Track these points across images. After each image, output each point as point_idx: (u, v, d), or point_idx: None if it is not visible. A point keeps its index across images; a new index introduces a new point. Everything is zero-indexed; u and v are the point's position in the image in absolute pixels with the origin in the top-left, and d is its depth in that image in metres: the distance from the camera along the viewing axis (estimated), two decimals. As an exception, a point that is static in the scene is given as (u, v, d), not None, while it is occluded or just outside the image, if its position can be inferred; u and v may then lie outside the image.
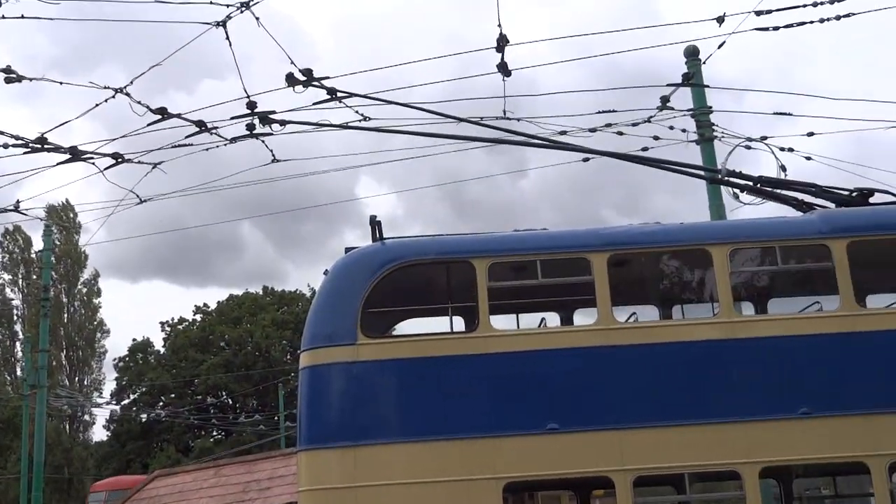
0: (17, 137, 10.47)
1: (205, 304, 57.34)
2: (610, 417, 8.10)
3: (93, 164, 11.03)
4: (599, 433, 8.08)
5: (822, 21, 10.96)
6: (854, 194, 9.44)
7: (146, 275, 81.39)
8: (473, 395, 8.23)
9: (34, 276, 53.69)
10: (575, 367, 8.30)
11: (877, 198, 9.38)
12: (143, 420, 53.28)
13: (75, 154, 10.85)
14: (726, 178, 10.31)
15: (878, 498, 7.92)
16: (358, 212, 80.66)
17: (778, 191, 9.81)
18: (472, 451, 8.07)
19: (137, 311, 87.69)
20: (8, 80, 10.01)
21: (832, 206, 9.37)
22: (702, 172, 12.02)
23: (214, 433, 53.48)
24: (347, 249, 8.98)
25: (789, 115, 12.41)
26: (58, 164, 10.99)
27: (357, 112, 10.31)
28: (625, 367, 8.26)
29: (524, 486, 9.24)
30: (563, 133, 11.90)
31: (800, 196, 9.62)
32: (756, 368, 8.25)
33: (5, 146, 10.47)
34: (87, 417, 58.05)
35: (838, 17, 11.05)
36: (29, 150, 10.58)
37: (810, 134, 13.09)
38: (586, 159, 12.89)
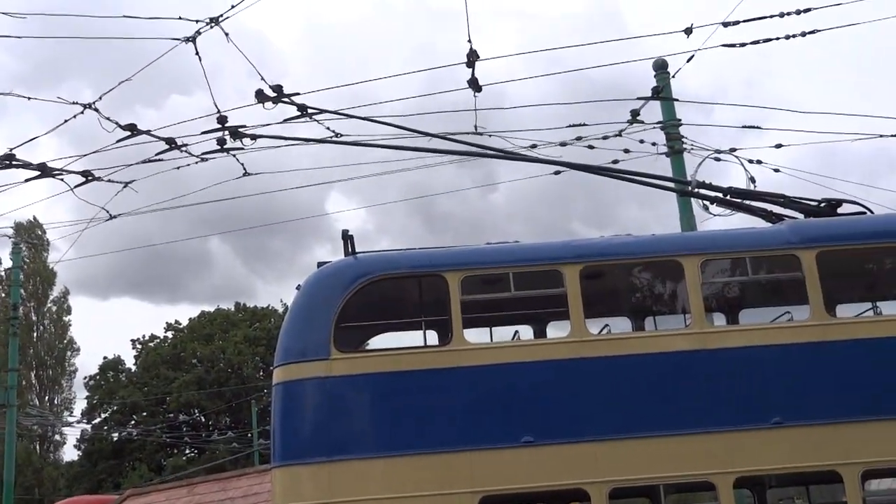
0: (-18, 153, 10.36)
1: (176, 321, 56.84)
2: (584, 429, 8.09)
3: (62, 181, 10.95)
4: (574, 445, 8.07)
5: (787, 37, 11.08)
6: (822, 205, 9.52)
7: (116, 292, 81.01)
8: (448, 409, 8.19)
9: (2, 295, 53.17)
10: (548, 380, 8.30)
11: (845, 208, 9.47)
12: (115, 439, 52.72)
13: (45, 171, 10.75)
14: (696, 190, 10.36)
15: (851, 505, 7.98)
16: (328, 227, 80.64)
17: (747, 202, 9.88)
18: (447, 464, 8.03)
19: (107, 328, 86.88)
20: (-27, 95, 9.92)
21: (801, 216, 9.44)
22: (672, 185, 12.08)
23: (187, 451, 52.88)
24: (320, 264, 8.93)
25: (758, 128, 12.53)
26: (26, 180, 10.89)
27: (328, 128, 10.31)
28: (598, 378, 8.26)
29: (500, 500, 9.19)
30: (533, 147, 11.93)
31: (769, 207, 9.69)
32: (728, 379, 8.27)
33: (-28, 162, 10.37)
34: (57, 437, 57.40)
35: (803, 34, 11.16)
36: (-1, 166, 10.48)
37: (778, 146, 13.20)
38: (557, 172, 12.93)
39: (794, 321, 8.69)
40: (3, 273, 53.59)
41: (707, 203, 10.37)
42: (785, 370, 8.29)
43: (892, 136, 11.88)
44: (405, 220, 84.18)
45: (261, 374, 50.55)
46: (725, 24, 10.77)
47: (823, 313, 8.42)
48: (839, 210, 9.47)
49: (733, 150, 12.53)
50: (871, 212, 9.37)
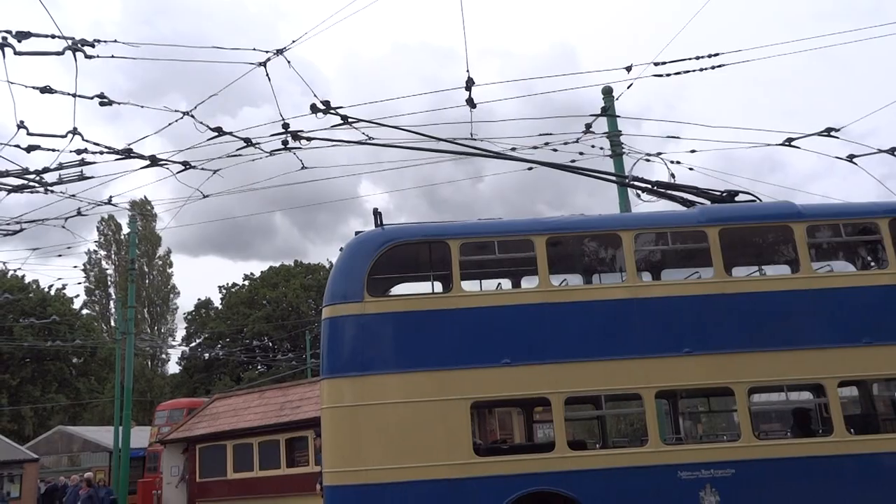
0: (109, 148, 10.34)
1: (251, 273, 57.01)
2: (548, 354, 8.14)
3: (168, 169, 10.92)
4: (540, 366, 8.12)
5: (701, 70, 10.99)
6: (724, 194, 9.48)
7: (204, 251, 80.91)
8: (448, 339, 8.22)
9: (123, 253, 53.20)
10: (522, 318, 8.32)
11: (740, 197, 9.45)
12: (206, 358, 53.01)
13: (154, 161, 10.72)
14: (632, 182, 10.33)
15: (740, 413, 8.05)
16: (359, 206, 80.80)
17: (669, 192, 9.85)
18: (446, 378, 8.10)
19: (199, 278, 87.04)
20: (101, 104, 9.85)
21: (708, 203, 9.42)
22: (614, 178, 12.05)
23: (259, 367, 53.23)
24: (357, 232, 8.93)
25: (677, 137, 12.45)
26: (141, 168, 10.86)
27: (363, 133, 10.26)
28: (559, 318, 8.29)
29: (486, 404, 9.31)
30: (513, 149, 11.83)
31: (685, 196, 9.68)
32: (653, 320, 8.29)
33: (101, 153, 10.33)
34: (164, 356, 57.98)
35: (713, 67, 11.08)
36: (119, 157, 10.45)
37: (692, 151, 13.09)
38: (530, 168, 12.83)
39: (702, 279, 8.72)
40: (123, 237, 53.84)
41: (639, 192, 10.34)
42: (694, 314, 8.33)
43: (776, 144, 11.79)
44: (416, 201, 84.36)
45: (313, 312, 50.66)
46: (656, 64, 10.70)
47: (723, 273, 8.45)
48: (736, 198, 9.45)
49: (659, 153, 12.46)
50: (760, 200, 9.35)
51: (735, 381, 8.09)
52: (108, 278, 55.02)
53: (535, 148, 12.46)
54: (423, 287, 9.33)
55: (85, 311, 51.58)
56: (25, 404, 43.05)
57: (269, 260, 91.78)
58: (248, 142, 10.47)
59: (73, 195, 11.78)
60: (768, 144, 12.38)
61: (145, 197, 50.37)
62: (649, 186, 9.93)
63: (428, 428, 7.93)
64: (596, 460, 8.13)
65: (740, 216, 8.83)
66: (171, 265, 57.11)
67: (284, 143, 10.21)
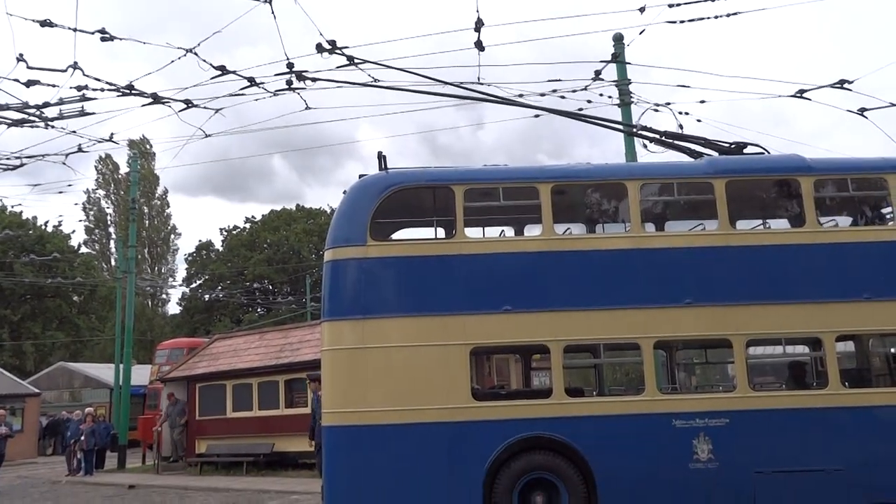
0: (111, 84, 10.24)
1: (252, 216, 57.03)
2: (549, 302, 8.20)
3: (169, 107, 10.84)
4: (540, 313, 8.19)
5: (716, 17, 10.81)
6: (732, 146, 9.42)
7: (203, 192, 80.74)
8: (450, 284, 8.27)
9: (122, 192, 53.09)
10: (525, 266, 8.36)
11: (749, 150, 9.39)
12: (206, 299, 53.46)
13: (156, 98, 10.64)
14: (640, 132, 10.25)
15: (737, 364, 8.15)
16: (358, 150, 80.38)
17: (677, 142, 9.78)
18: (447, 324, 8.17)
19: (197, 218, 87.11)
20: (103, 39, 9.72)
21: (716, 154, 9.37)
22: (621, 127, 11.95)
23: (259, 310, 53.72)
24: (360, 176, 8.90)
25: (687, 86, 12.30)
26: (143, 105, 10.77)
27: (368, 74, 10.14)
28: (561, 266, 8.33)
29: (485, 350, 9.40)
30: (520, 96, 11.72)
31: (693, 147, 9.61)
32: (655, 270, 8.33)
33: (102, 90, 10.24)
34: (164, 296, 58.55)
35: (728, 15, 10.90)
36: (121, 94, 10.36)
37: (702, 101, 12.97)
38: (537, 115, 12.76)
39: (707, 231, 8.72)
40: (120, 177, 53.66)
41: (646, 143, 10.27)
42: (697, 265, 8.36)
43: (787, 96, 11.65)
44: (416, 148, 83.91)
45: (314, 256, 50.88)
46: (671, 6, 10.49)
47: (728, 226, 8.47)
48: (744, 151, 9.40)
49: (668, 103, 12.35)
50: (768, 152, 9.30)
51: (734, 334, 8.18)
52: (108, 217, 55.11)
53: (542, 95, 12.34)
54: (425, 232, 9.33)
55: (84, 250, 51.77)
56: (26, 340, 43.59)
57: (267, 203, 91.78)
58: (252, 81, 10.36)
59: (74, 131, 11.73)
60: (780, 96, 12.27)
61: (143, 136, 50.19)
62: (657, 136, 9.86)
63: (427, 372, 8.04)
64: (592, 407, 8.28)
65: (748, 168, 8.79)
66: (168, 206, 57.12)
67: (289, 83, 10.11)
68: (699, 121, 12.60)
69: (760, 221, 9.64)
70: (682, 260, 8.38)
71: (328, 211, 55.06)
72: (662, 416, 7.96)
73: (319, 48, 9.69)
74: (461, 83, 10.22)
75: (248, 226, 56.17)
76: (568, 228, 9.30)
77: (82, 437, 20.69)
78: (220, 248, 56.39)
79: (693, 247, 8.51)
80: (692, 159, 9.38)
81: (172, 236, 56.99)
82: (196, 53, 9.95)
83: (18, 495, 16.91)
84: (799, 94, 11.27)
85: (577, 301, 8.22)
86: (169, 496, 14.88)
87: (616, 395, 9.99)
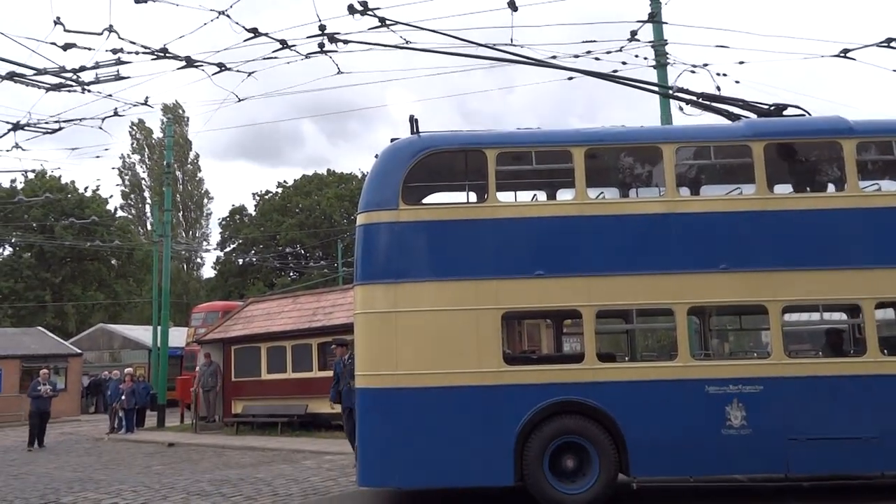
0: (145, 47, 10.28)
1: (284, 181, 57.31)
2: (582, 267, 8.16)
3: (203, 70, 10.87)
4: (573, 278, 8.16)
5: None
6: (772, 108, 9.20)
7: (233, 156, 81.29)
8: (482, 248, 8.25)
9: (156, 157, 53.80)
10: (557, 230, 8.31)
11: (789, 112, 9.15)
12: (240, 263, 54.21)
13: (189, 62, 10.66)
14: (676, 94, 10.04)
15: (772, 331, 8.05)
16: (388, 115, 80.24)
17: (714, 104, 9.57)
18: (479, 288, 8.18)
19: (228, 183, 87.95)
20: (136, 1, 9.76)
21: (754, 116, 9.15)
22: (657, 89, 11.73)
23: (291, 274, 54.39)
24: (392, 139, 8.87)
25: (726, 47, 11.97)
26: (177, 69, 10.81)
27: (400, 36, 10.04)
28: (594, 231, 8.26)
29: (517, 315, 9.39)
30: (553, 57, 11.53)
31: (730, 109, 9.40)
32: (690, 235, 8.23)
33: (136, 53, 10.29)
34: (199, 260, 59.58)
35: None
36: (155, 57, 10.40)
37: (741, 63, 12.64)
38: (570, 78, 12.56)
39: (744, 195, 8.57)
40: (154, 141, 54.36)
41: (682, 106, 10.06)
42: (733, 230, 8.22)
43: (830, 56, 11.29)
44: (446, 113, 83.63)
45: (345, 221, 51.18)
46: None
47: (766, 190, 8.31)
48: (784, 112, 9.17)
49: (705, 65, 12.07)
50: (809, 114, 9.06)
51: (770, 300, 8.07)
52: (143, 182, 55.92)
53: (575, 56, 12.12)
54: (457, 197, 9.31)
55: (121, 214, 52.69)
56: (67, 301, 44.74)
57: (297, 167, 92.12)
58: (284, 44, 10.32)
59: (110, 95, 11.85)
60: (822, 56, 11.87)
61: (176, 101, 50.64)
62: (694, 98, 9.65)
63: (459, 336, 8.08)
64: (625, 372, 8.27)
65: (788, 131, 8.59)
66: (200, 170, 57.73)
67: (321, 45, 10.05)
68: (737, 82, 12.30)
69: (799, 185, 9.42)
70: (717, 225, 8.26)
71: (359, 176, 55.20)
72: (695, 382, 7.93)
73: (351, 9, 9.60)
74: (494, 45, 10.08)
75: (280, 190, 56.56)
76: (601, 193, 9.20)
77: (122, 397, 21.30)
78: (253, 213, 56.93)
79: (729, 211, 8.37)
80: (729, 122, 9.17)
81: (205, 200, 57.78)
82: (228, 16, 9.93)
83: (64, 451, 17.53)
84: (843, 54, 10.92)
85: (610, 266, 8.17)
86: (207, 454, 15.30)
87: (648, 361, 9.96)
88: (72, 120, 12.86)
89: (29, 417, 18.82)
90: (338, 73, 11.13)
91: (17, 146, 13.76)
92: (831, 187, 9.22)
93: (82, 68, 10.57)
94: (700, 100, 9.62)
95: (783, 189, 9.20)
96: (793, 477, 8.34)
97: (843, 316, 9.17)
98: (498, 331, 8.13)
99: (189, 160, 56.78)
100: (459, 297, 8.17)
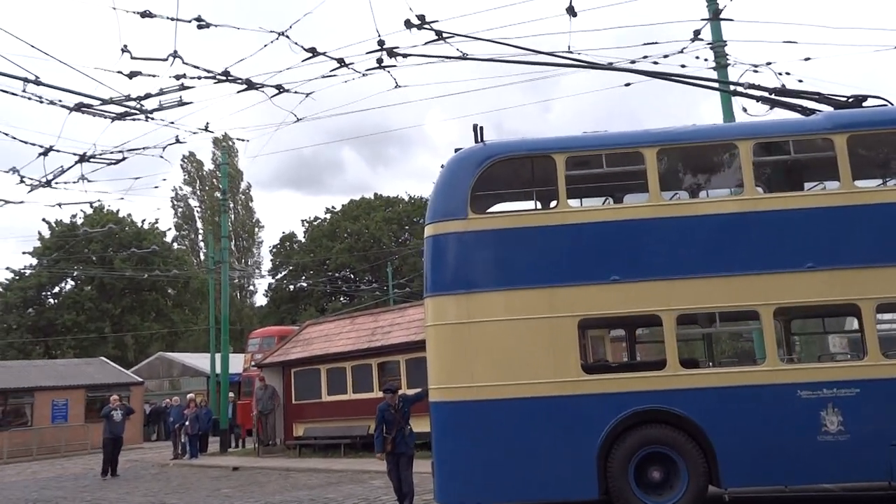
0: (208, 71, 10.40)
1: (332, 206, 57.98)
2: (659, 271, 7.91)
3: (263, 92, 10.95)
4: (651, 282, 7.92)
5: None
6: (850, 100, 8.83)
7: (277, 186, 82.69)
8: (555, 255, 8.09)
9: (207, 188, 54.98)
10: (632, 234, 8.09)
11: (869, 103, 8.77)
12: (291, 289, 54.78)
13: (250, 84, 10.76)
14: (746, 90, 9.73)
15: (867, 330, 7.65)
16: (426, 137, 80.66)
17: (787, 100, 9.24)
18: (553, 295, 7.99)
19: (275, 212, 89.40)
20: (199, 27, 9.90)
21: (831, 109, 8.78)
22: (719, 87, 11.44)
23: (342, 298, 54.69)
24: (456, 149, 8.77)
25: (794, 42, 11.62)
26: (238, 92, 10.91)
27: (457, 49, 9.95)
28: (670, 233, 8.02)
29: (594, 322, 9.11)
30: (610, 63, 11.34)
31: (803, 103, 9.05)
32: (771, 234, 7.92)
33: (199, 78, 10.41)
34: (251, 287, 60.51)
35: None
36: (217, 81, 10.51)
37: (807, 59, 12.25)
38: (628, 84, 12.41)
39: (828, 190, 8.22)
40: (205, 173, 55.69)
41: (745, 107, 9.74)
42: (818, 227, 7.89)
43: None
44: (486, 132, 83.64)
45: (393, 243, 51.39)
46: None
47: (850, 184, 7.95)
48: (864, 104, 8.79)
49: (768, 63, 11.73)
50: (892, 104, 8.66)
51: (862, 298, 7.68)
52: (196, 212, 57.18)
53: (632, 62, 11.90)
54: (524, 204, 9.14)
55: (176, 245, 53.85)
56: (127, 332, 45.73)
57: (339, 194, 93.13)
58: (342, 62, 10.34)
59: (172, 122, 12.01)
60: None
61: (226, 133, 51.85)
62: (765, 94, 9.32)
63: (534, 345, 7.89)
64: (709, 378, 7.94)
65: (872, 121, 8.21)
66: (251, 199, 58.83)
67: (379, 61, 10.03)
68: (800, 81, 11.92)
69: (887, 178, 9.02)
70: (801, 222, 7.92)
71: (406, 199, 55.52)
72: (786, 387, 7.56)
73: (408, 24, 9.56)
74: (553, 52, 9.94)
75: (328, 216, 57.19)
76: (676, 194, 8.94)
77: (187, 423, 21.50)
78: (303, 239, 57.62)
79: (813, 207, 8.03)
80: (802, 116, 8.83)
81: (256, 229, 58.73)
82: (287, 36, 10.01)
83: (133, 477, 17.72)
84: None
85: (688, 268, 7.90)
86: (273, 476, 15.27)
87: (733, 366, 9.57)
88: (136, 149, 13.09)
89: (103, 445, 18.84)
90: (395, 87, 11.09)
91: (83, 178, 13.93)
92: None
93: (147, 95, 10.75)
94: (772, 95, 9.29)
95: (867, 183, 8.81)
96: (896, 485, 7.87)
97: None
98: (575, 339, 7.92)
99: (241, 189, 57.92)
100: (533, 305, 7.98)
